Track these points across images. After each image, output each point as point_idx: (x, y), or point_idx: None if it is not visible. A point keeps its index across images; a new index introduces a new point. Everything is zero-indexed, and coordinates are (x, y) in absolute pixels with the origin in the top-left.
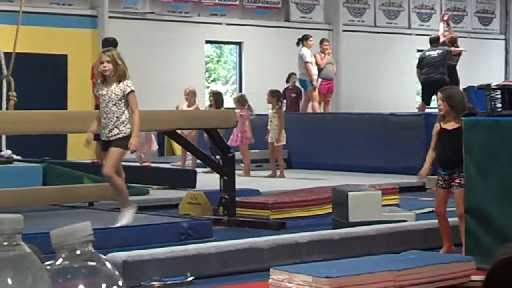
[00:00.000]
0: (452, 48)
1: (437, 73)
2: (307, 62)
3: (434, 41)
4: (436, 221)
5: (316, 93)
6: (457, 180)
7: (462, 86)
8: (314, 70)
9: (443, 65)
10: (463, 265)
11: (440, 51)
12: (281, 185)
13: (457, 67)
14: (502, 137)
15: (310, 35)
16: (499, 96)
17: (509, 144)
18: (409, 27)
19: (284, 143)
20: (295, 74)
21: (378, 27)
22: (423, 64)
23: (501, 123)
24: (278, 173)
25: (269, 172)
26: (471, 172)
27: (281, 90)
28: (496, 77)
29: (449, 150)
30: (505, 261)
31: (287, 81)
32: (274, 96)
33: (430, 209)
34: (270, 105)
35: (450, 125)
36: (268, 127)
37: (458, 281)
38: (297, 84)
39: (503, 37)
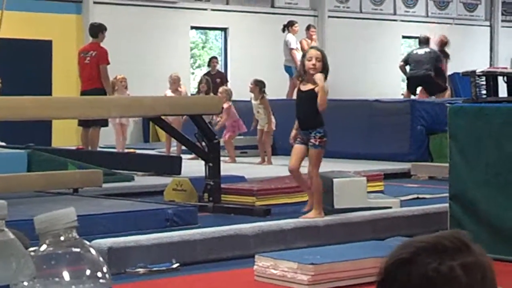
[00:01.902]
0: (440, 55)
1: (421, 69)
2: (292, 48)
3: (423, 42)
4: (422, 207)
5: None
6: (312, 140)
7: (447, 72)
8: (299, 56)
9: (429, 63)
10: None
11: (427, 50)
12: (267, 171)
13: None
14: (487, 123)
15: (296, 21)
16: (484, 82)
17: (494, 130)
18: (395, 13)
19: (273, 129)
20: (216, 58)
21: (363, 13)
22: (410, 61)
23: (486, 110)
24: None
25: (257, 159)
26: (456, 159)
27: (204, 75)
28: (481, 64)
29: (301, 112)
30: (400, 261)
31: (208, 65)
32: (257, 85)
33: (415, 196)
34: (253, 95)
35: (306, 87)
36: (256, 117)
37: None
38: (219, 68)
39: (488, 23)
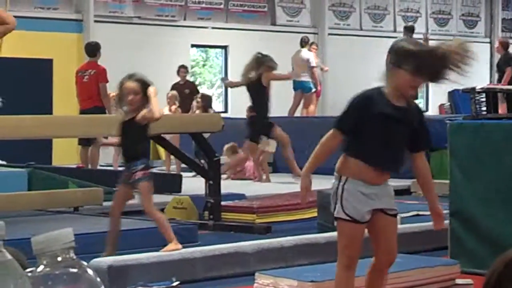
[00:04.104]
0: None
1: None
2: (314, 67)
3: (409, 30)
4: (422, 224)
5: (315, 97)
6: (136, 174)
7: (447, 89)
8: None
9: None
10: (448, 269)
11: None
12: (267, 189)
13: None
14: (487, 140)
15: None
16: (484, 99)
17: (494, 147)
18: (395, 31)
19: (273, 150)
20: (185, 68)
21: (363, 31)
22: None
23: (486, 126)
24: (264, 177)
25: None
26: (456, 175)
27: (172, 85)
28: (481, 81)
29: (124, 143)
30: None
31: (178, 74)
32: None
33: (416, 213)
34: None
35: (126, 116)
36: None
37: (443, 285)
38: (188, 78)
39: (488, 40)
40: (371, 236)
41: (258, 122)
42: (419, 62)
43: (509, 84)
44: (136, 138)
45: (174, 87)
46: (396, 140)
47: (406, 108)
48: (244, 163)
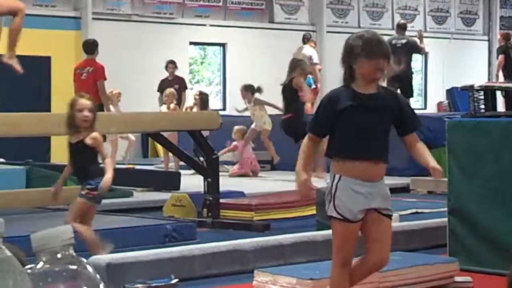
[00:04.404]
0: (418, 42)
1: (398, 65)
2: (316, 63)
3: (402, 28)
4: (421, 222)
5: (312, 95)
6: (84, 190)
7: (445, 87)
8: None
9: (406, 56)
10: (447, 266)
11: (404, 41)
12: (265, 186)
13: (439, 66)
14: (485, 138)
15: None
16: (482, 97)
17: (492, 145)
18: (393, 28)
19: (269, 128)
20: (173, 63)
21: (362, 28)
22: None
23: (484, 124)
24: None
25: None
26: (455, 173)
27: (160, 81)
28: (479, 78)
29: (74, 164)
30: None
31: (166, 69)
32: (247, 90)
33: (414, 210)
34: (246, 100)
35: (74, 138)
36: (252, 119)
37: (442, 282)
38: (177, 73)
39: (486, 38)
40: (363, 236)
41: (296, 124)
42: (369, 45)
43: (503, 70)
44: (88, 159)
45: (162, 83)
46: (373, 128)
47: (377, 94)
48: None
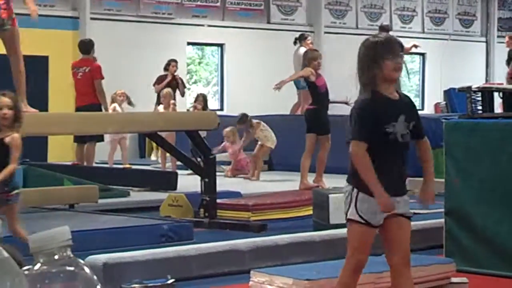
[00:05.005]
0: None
1: None
2: None
3: (384, 30)
4: (418, 222)
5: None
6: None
7: (443, 88)
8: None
9: None
10: (443, 267)
11: None
12: (262, 187)
13: (437, 67)
14: (482, 139)
15: (308, 34)
16: (479, 98)
17: (489, 146)
18: (391, 29)
19: (272, 146)
20: (176, 61)
21: (360, 29)
22: None
23: (481, 125)
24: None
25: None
26: (452, 174)
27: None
28: (477, 79)
29: None
30: None
31: (165, 69)
32: (241, 123)
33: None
34: (245, 133)
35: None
36: (260, 141)
37: (438, 283)
38: (177, 73)
39: (484, 39)
40: (384, 237)
41: (314, 116)
42: (390, 44)
43: None
44: (5, 159)
45: (167, 82)
46: (403, 141)
47: (400, 100)
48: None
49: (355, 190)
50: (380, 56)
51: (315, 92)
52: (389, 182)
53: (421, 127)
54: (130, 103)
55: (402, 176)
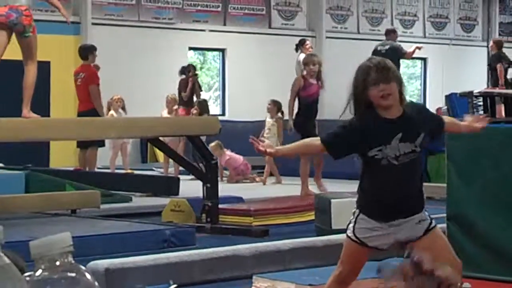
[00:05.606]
0: (404, 49)
1: None
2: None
3: (387, 34)
4: None
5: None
6: None
7: (444, 92)
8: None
9: (392, 61)
10: None
11: (388, 47)
12: (264, 192)
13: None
14: (484, 144)
15: (307, 39)
16: (481, 103)
17: (491, 151)
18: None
19: None
20: (194, 67)
21: (361, 34)
22: None
23: (483, 130)
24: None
25: (272, 179)
26: (454, 179)
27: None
28: (478, 85)
29: None
30: None
31: (182, 73)
32: (276, 105)
33: None
34: (269, 114)
35: None
36: (265, 135)
37: None
38: (176, 79)
39: (485, 44)
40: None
41: (302, 125)
42: (365, 73)
43: (504, 79)
44: None
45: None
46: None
47: (403, 117)
48: None
49: (358, 210)
50: (364, 86)
51: (303, 103)
52: (387, 207)
53: (435, 127)
54: (123, 108)
55: (411, 196)
